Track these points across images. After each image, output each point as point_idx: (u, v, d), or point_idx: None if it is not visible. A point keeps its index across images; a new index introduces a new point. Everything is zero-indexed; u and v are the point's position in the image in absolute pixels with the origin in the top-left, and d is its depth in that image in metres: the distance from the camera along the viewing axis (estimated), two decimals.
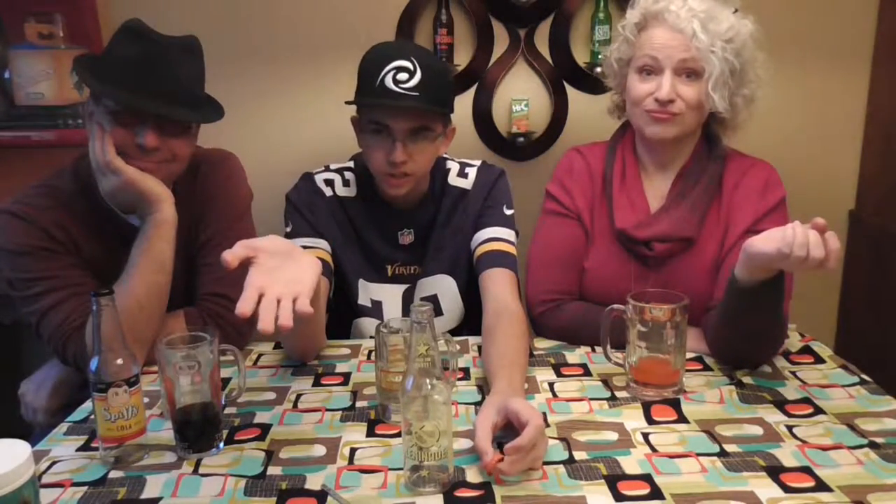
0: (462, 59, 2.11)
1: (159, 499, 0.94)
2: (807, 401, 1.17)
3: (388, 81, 1.28)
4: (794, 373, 1.27)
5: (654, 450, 1.03)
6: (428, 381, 0.92)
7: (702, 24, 1.29)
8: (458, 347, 1.25)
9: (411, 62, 1.29)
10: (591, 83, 2.12)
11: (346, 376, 1.30)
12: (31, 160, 1.46)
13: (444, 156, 1.53)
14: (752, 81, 1.36)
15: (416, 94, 1.28)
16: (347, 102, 1.36)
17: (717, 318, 1.28)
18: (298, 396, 1.21)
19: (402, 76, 1.28)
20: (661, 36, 1.32)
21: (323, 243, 1.45)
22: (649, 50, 1.33)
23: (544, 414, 1.13)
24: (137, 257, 1.27)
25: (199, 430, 1.03)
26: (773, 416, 1.12)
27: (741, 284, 1.18)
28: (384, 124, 1.31)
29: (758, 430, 1.08)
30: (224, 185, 1.46)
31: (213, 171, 1.46)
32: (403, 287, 1.53)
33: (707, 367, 1.30)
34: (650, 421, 1.11)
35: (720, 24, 1.30)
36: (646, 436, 1.07)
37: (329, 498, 0.91)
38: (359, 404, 1.19)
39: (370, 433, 1.09)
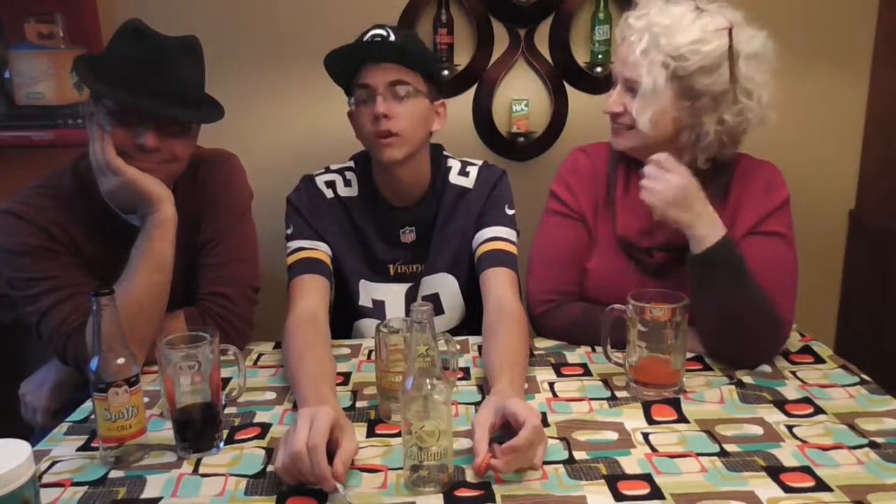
0: (462, 59, 2.11)
1: (159, 499, 0.94)
2: (807, 401, 1.17)
3: (365, 42, 1.37)
4: (794, 373, 1.27)
5: (654, 450, 1.03)
6: (428, 380, 0.92)
7: (652, 38, 1.26)
8: (458, 347, 1.25)
9: (386, 30, 1.37)
10: (591, 83, 2.12)
11: (347, 376, 1.30)
12: (31, 160, 1.46)
13: (446, 154, 1.53)
14: (740, 103, 1.28)
15: (392, 46, 1.35)
16: (327, 59, 1.38)
17: (692, 303, 1.26)
18: None
19: (379, 37, 1.36)
20: (620, 50, 1.35)
21: (323, 246, 1.45)
22: (615, 62, 1.38)
23: (544, 414, 1.13)
24: (138, 257, 1.27)
25: (199, 430, 1.03)
26: (773, 416, 1.12)
27: (690, 257, 1.26)
28: (365, 84, 1.36)
29: (758, 430, 1.08)
30: (224, 186, 1.46)
31: (213, 172, 1.46)
32: (406, 286, 1.53)
33: (707, 367, 1.30)
34: (650, 421, 1.11)
35: (677, 39, 1.25)
36: (646, 436, 1.07)
37: (328, 498, 0.91)
38: (359, 404, 1.19)
39: (370, 433, 1.09)
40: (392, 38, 1.36)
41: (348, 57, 1.38)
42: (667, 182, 1.25)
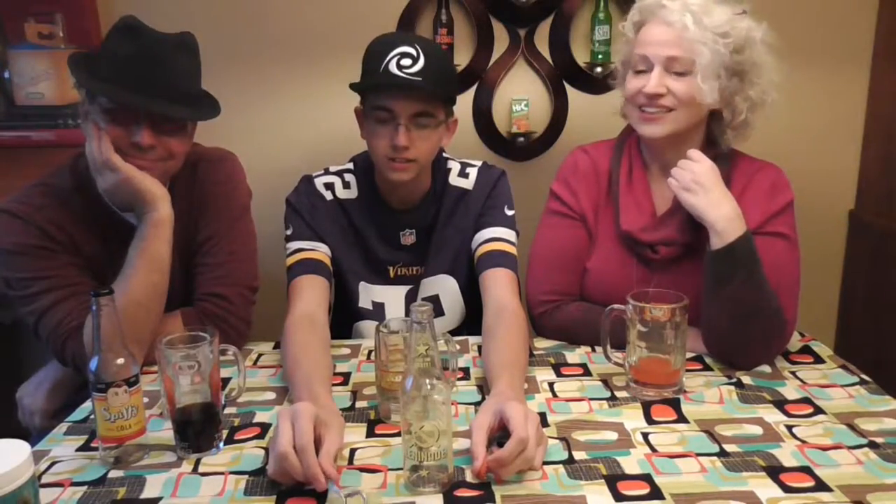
0: (462, 59, 2.11)
1: (159, 498, 0.94)
2: (807, 401, 1.17)
3: (393, 66, 1.29)
4: (793, 373, 1.28)
5: (653, 450, 1.03)
6: (428, 381, 0.92)
7: (694, 17, 1.28)
8: (458, 347, 1.25)
9: (415, 48, 1.30)
10: (591, 83, 2.12)
11: (346, 376, 1.30)
12: (31, 160, 1.46)
13: (445, 155, 1.53)
14: (759, 85, 1.34)
15: (420, 79, 1.29)
16: (352, 85, 1.36)
17: (704, 299, 1.28)
18: None
19: (406, 62, 1.29)
20: (654, 31, 1.32)
21: (323, 247, 1.44)
22: (641, 48, 1.34)
23: (543, 414, 1.13)
24: (135, 257, 1.27)
25: (199, 430, 1.03)
26: (773, 416, 1.12)
27: (710, 252, 1.26)
28: (388, 109, 1.32)
29: (757, 430, 1.08)
30: (223, 185, 1.45)
31: (212, 171, 1.45)
32: (406, 288, 1.52)
33: (707, 367, 1.30)
34: (650, 421, 1.11)
35: (714, 18, 1.29)
36: (645, 436, 1.07)
37: (329, 498, 0.91)
38: (358, 404, 1.19)
39: (370, 433, 1.09)
40: (422, 60, 1.29)
41: (373, 78, 1.33)
42: (689, 169, 1.29)
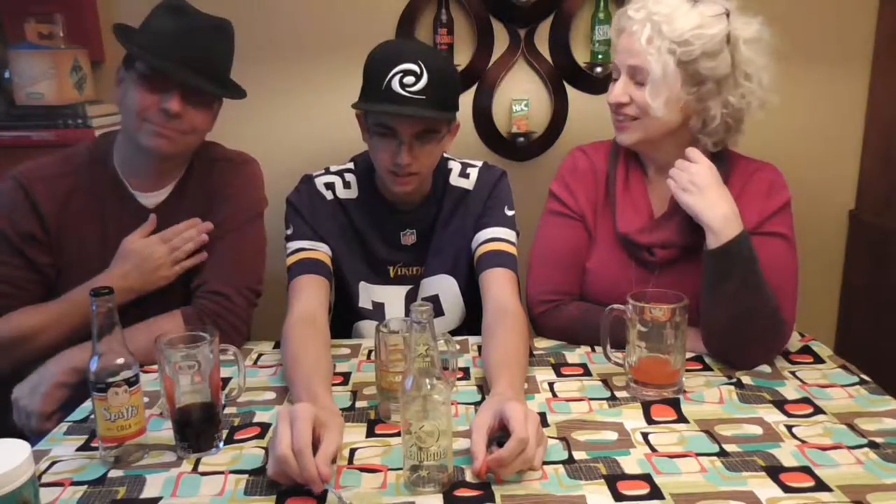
0: (462, 59, 2.11)
1: (159, 498, 0.94)
2: (806, 401, 1.17)
3: (395, 85, 1.27)
4: (793, 373, 1.28)
5: (653, 450, 1.03)
6: (428, 381, 0.92)
7: (653, 27, 1.27)
8: (457, 347, 1.25)
9: (418, 65, 1.27)
10: (591, 83, 2.12)
11: (346, 376, 1.30)
12: (30, 160, 1.47)
13: (446, 156, 1.53)
14: (745, 87, 1.31)
15: (423, 97, 1.27)
16: (354, 106, 1.36)
17: (702, 299, 1.29)
18: None
19: (409, 79, 1.27)
20: (621, 41, 1.34)
21: (323, 247, 1.44)
22: (614, 56, 1.36)
23: (543, 414, 1.13)
24: (60, 302, 1.34)
25: (198, 430, 1.03)
26: (773, 416, 1.12)
27: (706, 252, 1.26)
28: (390, 127, 1.31)
29: (757, 430, 1.08)
30: (239, 187, 1.47)
31: (230, 172, 1.47)
32: (406, 288, 1.52)
33: (707, 367, 1.31)
34: (650, 421, 1.12)
35: (676, 26, 1.26)
36: (645, 436, 1.07)
37: (328, 498, 0.91)
38: (358, 404, 1.19)
39: (370, 433, 1.09)
40: (425, 77, 1.26)
41: (375, 97, 1.29)
42: (687, 169, 1.29)
